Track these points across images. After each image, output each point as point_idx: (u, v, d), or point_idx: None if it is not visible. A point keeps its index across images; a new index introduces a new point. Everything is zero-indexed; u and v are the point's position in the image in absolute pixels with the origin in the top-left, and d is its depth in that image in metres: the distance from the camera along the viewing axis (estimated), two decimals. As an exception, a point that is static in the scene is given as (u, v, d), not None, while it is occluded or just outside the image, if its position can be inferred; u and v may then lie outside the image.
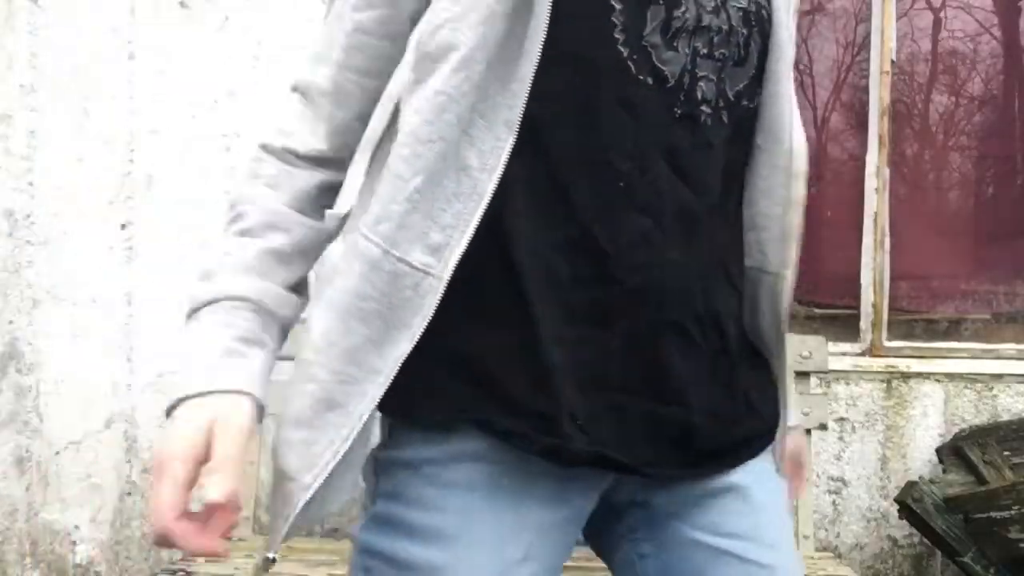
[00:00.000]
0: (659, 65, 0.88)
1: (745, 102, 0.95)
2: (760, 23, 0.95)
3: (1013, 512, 2.67)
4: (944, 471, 2.95)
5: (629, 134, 0.88)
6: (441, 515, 0.88)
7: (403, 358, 0.86)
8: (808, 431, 2.43)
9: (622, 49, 0.87)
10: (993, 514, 2.70)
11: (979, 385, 3.13)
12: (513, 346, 0.87)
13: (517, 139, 0.85)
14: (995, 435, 2.96)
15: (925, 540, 2.94)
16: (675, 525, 0.99)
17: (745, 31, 0.94)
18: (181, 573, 2.15)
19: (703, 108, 0.91)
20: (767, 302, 1.01)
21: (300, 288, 0.98)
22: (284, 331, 0.97)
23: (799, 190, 0.99)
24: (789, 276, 1.01)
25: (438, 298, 0.85)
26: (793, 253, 1.01)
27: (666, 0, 0.89)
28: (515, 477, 0.89)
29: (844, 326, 3.27)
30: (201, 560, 2.22)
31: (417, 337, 0.86)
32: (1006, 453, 2.90)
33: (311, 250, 0.98)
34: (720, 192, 0.95)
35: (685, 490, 0.98)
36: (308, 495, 0.87)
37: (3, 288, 2.91)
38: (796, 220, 1.00)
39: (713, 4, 0.92)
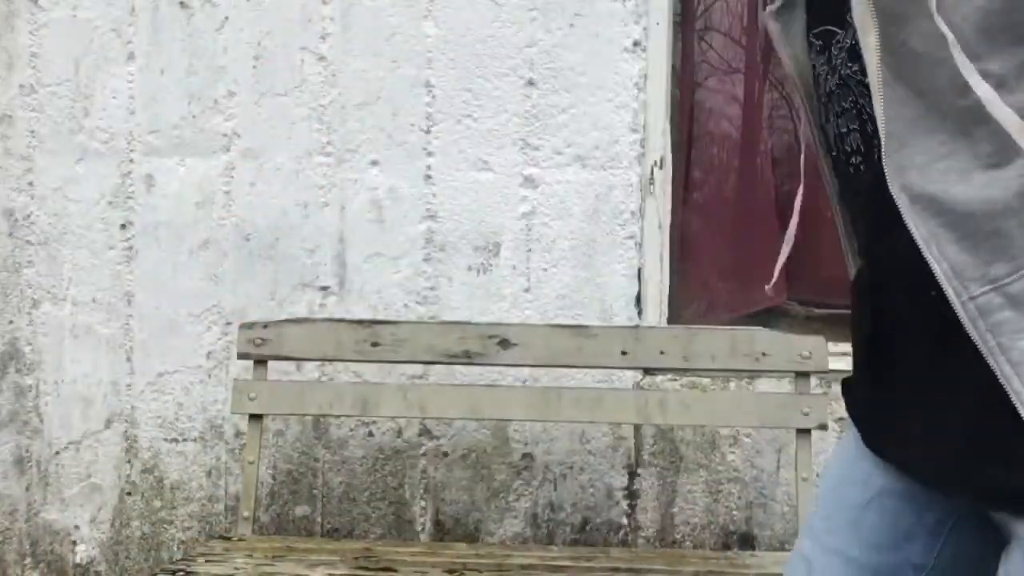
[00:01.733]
0: (834, 143, 1.08)
1: None
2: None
3: (1013, 512, 2.67)
4: (944, 471, 2.94)
5: (839, 191, 1.15)
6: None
7: None
8: (808, 431, 2.43)
9: (824, 138, 1.12)
10: (993, 514, 2.69)
11: (979, 385, 3.13)
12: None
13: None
14: (995, 435, 2.96)
15: (925, 540, 2.94)
16: None
17: (855, 65, 0.98)
18: (181, 573, 2.15)
19: (853, 160, 1.04)
20: None
21: None
22: None
23: None
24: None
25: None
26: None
27: (826, 99, 1.06)
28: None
29: (844, 326, 3.26)
30: (201, 560, 2.23)
31: None
32: (1006, 453, 2.89)
33: None
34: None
35: None
36: None
37: (3, 288, 2.91)
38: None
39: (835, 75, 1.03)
